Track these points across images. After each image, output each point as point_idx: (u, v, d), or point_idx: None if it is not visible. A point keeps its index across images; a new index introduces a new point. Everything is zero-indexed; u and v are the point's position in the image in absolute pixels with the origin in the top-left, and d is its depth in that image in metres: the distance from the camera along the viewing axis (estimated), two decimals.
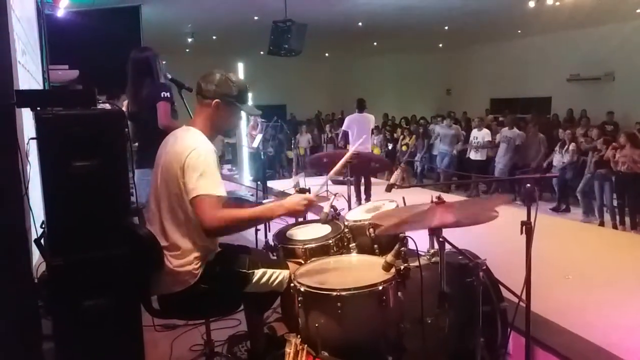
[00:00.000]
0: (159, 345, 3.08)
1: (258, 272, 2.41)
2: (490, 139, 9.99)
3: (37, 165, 2.17)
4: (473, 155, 10.22)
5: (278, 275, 2.46)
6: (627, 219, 7.59)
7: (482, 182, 10.29)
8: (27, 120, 2.71)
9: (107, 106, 2.34)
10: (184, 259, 2.27)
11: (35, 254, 2.59)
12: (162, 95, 3.61)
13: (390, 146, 12.89)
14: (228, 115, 2.40)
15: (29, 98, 2.18)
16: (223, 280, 2.34)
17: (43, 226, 2.24)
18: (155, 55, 3.80)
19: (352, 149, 4.88)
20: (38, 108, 2.06)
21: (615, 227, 7.56)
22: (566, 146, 8.74)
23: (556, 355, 2.66)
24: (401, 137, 12.51)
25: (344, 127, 7.98)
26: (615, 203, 7.74)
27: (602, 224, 7.74)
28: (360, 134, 7.57)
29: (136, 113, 3.71)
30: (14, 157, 2.16)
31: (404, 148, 12.06)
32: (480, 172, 9.65)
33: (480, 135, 10.11)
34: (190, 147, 2.22)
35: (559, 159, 8.86)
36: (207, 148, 2.24)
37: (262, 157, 7.79)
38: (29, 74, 3.67)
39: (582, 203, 8.25)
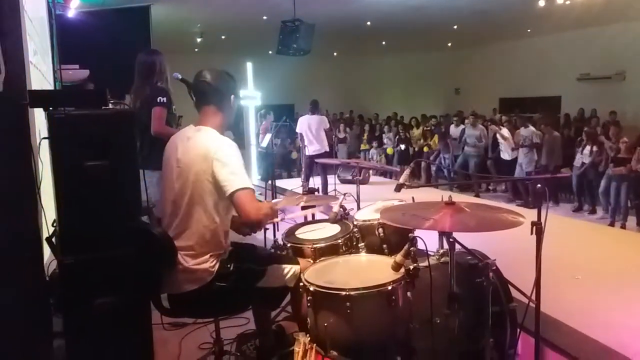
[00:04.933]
0: (168, 344, 3.10)
1: (270, 268, 2.46)
2: (509, 136, 9.77)
3: (49, 165, 2.19)
4: (503, 155, 10.01)
5: (289, 270, 2.50)
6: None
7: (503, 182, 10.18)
8: (39, 119, 2.73)
9: (119, 106, 2.36)
10: (201, 258, 2.30)
11: (46, 252, 2.62)
12: (158, 101, 3.60)
13: (402, 147, 12.78)
14: (235, 107, 2.51)
15: (41, 98, 2.20)
16: (237, 276, 2.36)
17: (54, 224, 2.26)
18: (162, 59, 3.82)
19: None
20: (50, 108, 2.08)
21: (624, 227, 7.50)
22: (586, 146, 8.61)
23: (565, 355, 2.64)
24: (421, 137, 12.30)
25: (297, 130, 8.30)
26: (629, 204, 7.68)
27: (612, 224, 7.68)
28: (311, 135, 7.99)
29: (137, 114, 3.71)
30: (27, 157, 2.18)
31: (425, 149, 11.90)
32: (509, 173, 9.53)
33: (505, 134, 9.88)
34: (214, 143, 2.27)
35: (579, 158, 8.75)
36: (233, 145, 2.30)
37: (274, 155, 7.91)
38: (40, 73, 3.70)
39: (604, 204, 8.18)
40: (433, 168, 11.65)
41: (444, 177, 12.04)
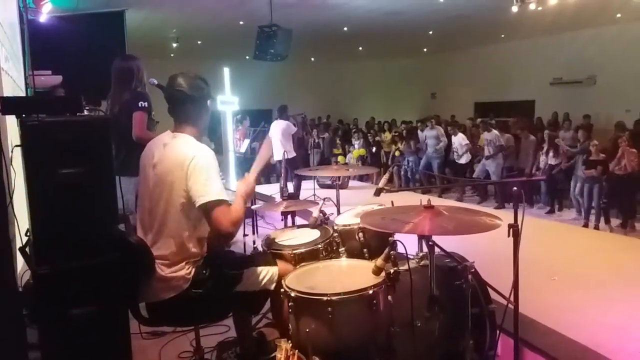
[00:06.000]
0: (147, 353, 3.05)
1: (247, 271, 2.43)
2: (466, 142, 10.24)
3: (21, 173, 2.14)
4: (457, 159, 10.51)
5: (267, 272, 2.48)
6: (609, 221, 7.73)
7: (470, 185, 10.42)
8: (10, 127, 2.67)
9: (94, 113, 2.32)
10: (176, 266, 2.27)
11: (19, 262, 2.56)
12: (139, 105, 3.58)
13: (374, 149, 12.85)
14: (210, 111, 2.49)
15: (14, 105, 2.15)
16: (213, 282, 2.34)
17: (28, 234, 2.21)
18: (139, 64, 3.77)
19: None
20: (23, 115, 2.04)
21: (597, 228, 7.65)
22: (549, 149, 8.82)
23: (544, 356, 2.68)
24: (393, 143, 12.42)
25: (269, 135, 8.39)
26: (601, 205, 7.84)
27: (586, 225, 7.83)
28: (279, 141, 8.07)
29: (115, 120, 3.66)
30: None
31: (397, 153, 12.03)
32: (461, 175, 9.88)
33: (457, 140, 10.38)
34: (191, 152, 2.23)
35: (544, 161, 8.93)
36: (209, 153, 2.27)
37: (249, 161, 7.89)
38: (11, 80, 3.63)
39: (577, 205, 8.36)
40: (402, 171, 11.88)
41: (413, 179, 12.19)
